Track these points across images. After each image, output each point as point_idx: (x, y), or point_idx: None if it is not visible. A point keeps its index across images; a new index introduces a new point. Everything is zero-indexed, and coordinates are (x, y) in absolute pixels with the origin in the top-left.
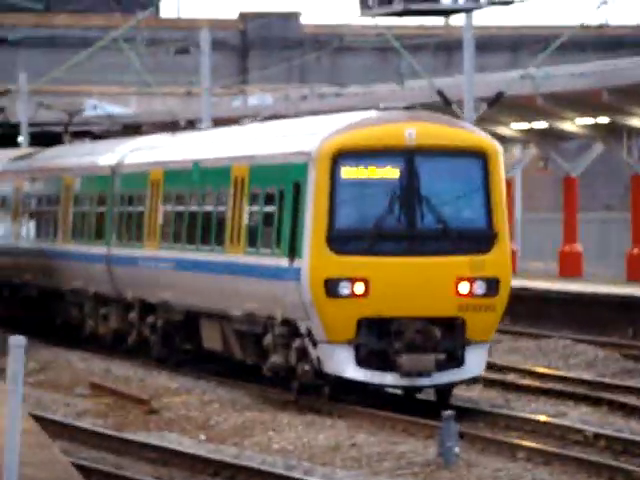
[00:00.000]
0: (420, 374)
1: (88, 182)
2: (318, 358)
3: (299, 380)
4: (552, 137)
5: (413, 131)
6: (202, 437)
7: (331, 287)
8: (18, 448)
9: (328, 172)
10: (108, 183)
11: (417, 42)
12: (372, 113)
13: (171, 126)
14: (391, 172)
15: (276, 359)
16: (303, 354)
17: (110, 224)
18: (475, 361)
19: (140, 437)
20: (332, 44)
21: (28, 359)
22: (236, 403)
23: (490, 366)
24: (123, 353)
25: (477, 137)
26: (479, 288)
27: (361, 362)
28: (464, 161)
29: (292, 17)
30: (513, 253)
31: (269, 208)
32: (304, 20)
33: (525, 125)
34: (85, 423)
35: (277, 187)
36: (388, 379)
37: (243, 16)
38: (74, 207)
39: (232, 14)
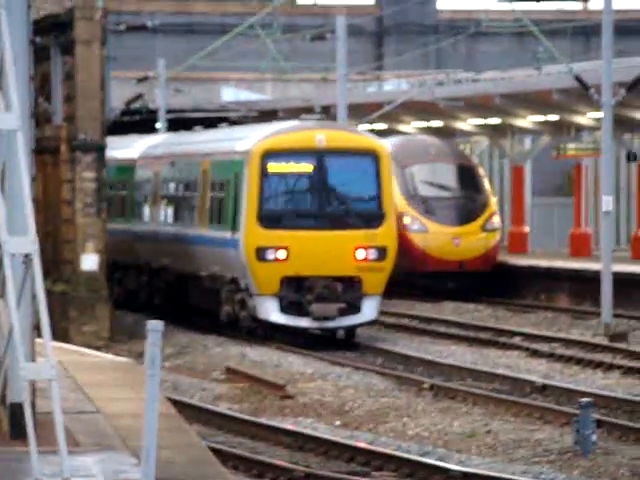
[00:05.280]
0: (327, 318)
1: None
2: (253, 307)
3: (241, 324)
4: None
5: (322, 137)
6: (337, 423)
7: (260, 253)
8: (156, 431)
9: (258, 167)
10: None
11: (555, 27)
12: (293, 123)
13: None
14: (306, 167)
15: (227, 308)
16: (243, 304)
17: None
18: (370, 309)
19: (275, 422)
20: (469, 29)
21: (165, 344)
22: (371, 389)
23: (629, 354)
24: (259, 338)
25: (371, 141)
26: (372, 254)
27: (283, 309)
28: (361, 159)
29: (428, 3)
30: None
31: (221, 194)
32: (440, 5)
33: None
34: (221, 407)
35: (225, 178)
36: (303, 322)
37: (379, 2)
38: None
39: (368, 0)
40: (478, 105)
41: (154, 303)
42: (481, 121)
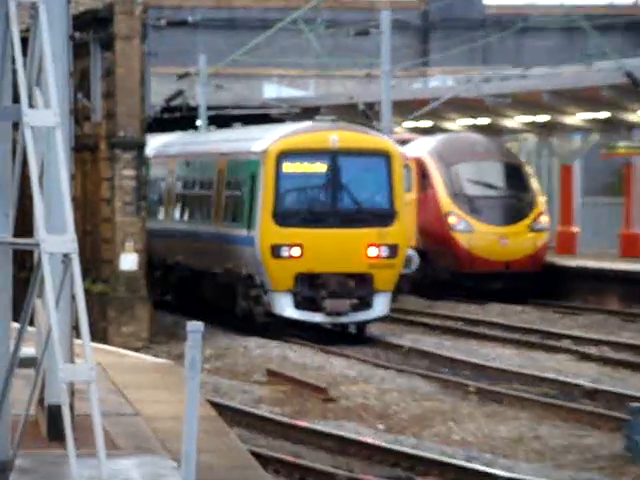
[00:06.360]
0: (339, 314)
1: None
2: (268, 302)
3: (256, 319)
4: None
5: (336, 137)
6: (380, 426)
7: (275, 250)
8: (196, 435)
9: (274, 167)
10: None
11: (605, 22)
12: (307, 124)
13: (349, 109)
14: (320, 167)
15: (242, 304)
16: (258, 300)
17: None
18: (381, 305)
19: (318, 426)
20: (516, 24)
21: (205, 345)
22: (415, 392)
23: None
24: (300, 340)
25: (383, 142)
26: (383, 252)
27: (297, 305)
28: (373, 159)
29: None
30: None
31: (237, 192)
32: (487, 0)
33: None
34: (262, 410)
35: (241, 177)
36: (317, 317)
37: None
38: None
39: None
40: (526, 102)
41: (166, 299)
42: (529, 118)
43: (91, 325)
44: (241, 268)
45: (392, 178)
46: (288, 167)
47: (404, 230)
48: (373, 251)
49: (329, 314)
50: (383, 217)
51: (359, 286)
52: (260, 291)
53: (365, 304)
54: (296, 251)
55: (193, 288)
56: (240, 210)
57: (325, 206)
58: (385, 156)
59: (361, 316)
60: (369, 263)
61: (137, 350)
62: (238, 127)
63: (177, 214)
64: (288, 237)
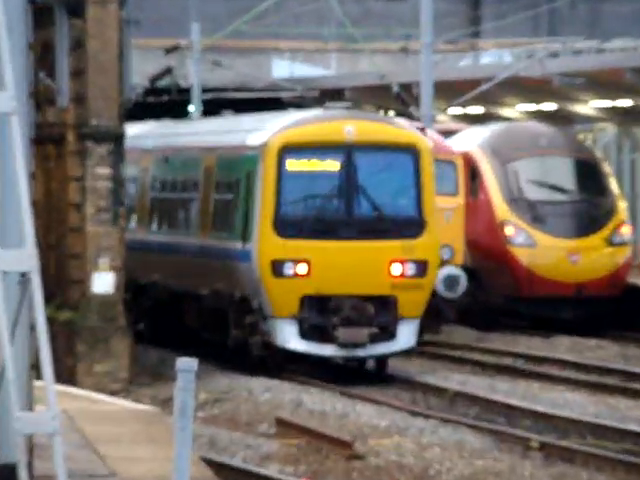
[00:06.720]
0: (355, 346)
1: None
2: (267, 331)
3: (252, 352)
4: None
5: (352, 128)
6: None
7: (277, 268)
8: None
9: (275, 164)
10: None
11: None
12: (316, 112)
13: (380, 91)
14: (331, 165)
15: (236, 333)
16: (254, 328)
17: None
18: (406, 335)
19: None
20: None
21: (199, 387)
22: (463, 448)
23: None
24: (317, 381)
25: (409, 134)
26: (410, 269)
27: (304, 335)
28: (397, 155)
29: None
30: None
31: (229, 196)
32: None
33: None
34: (271, 471)
35: (234, 177)
36: (327, 350)
37: None
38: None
39: None
40: (603, 83)
41: (137, 328)
42: (607, 103)
43: (55, 362)
44: (234, 289)
45: (420, 179)
46: (293, 165)
47: (435, 243)
48: (397, 269)
49: (342, 346)
50: (409, 227)
51: (379, 312)
52: (257, 317)
53: (387, 334)
54: (302, 268)
55: (172, 314)
56: (233, 218)
57: (338, 213)
58: (412, 151)
59: (382, 348)
60: (392, 283)
61: (114, 394)
62: (230, 115)
63: (153, 223)
64: (292, 251)
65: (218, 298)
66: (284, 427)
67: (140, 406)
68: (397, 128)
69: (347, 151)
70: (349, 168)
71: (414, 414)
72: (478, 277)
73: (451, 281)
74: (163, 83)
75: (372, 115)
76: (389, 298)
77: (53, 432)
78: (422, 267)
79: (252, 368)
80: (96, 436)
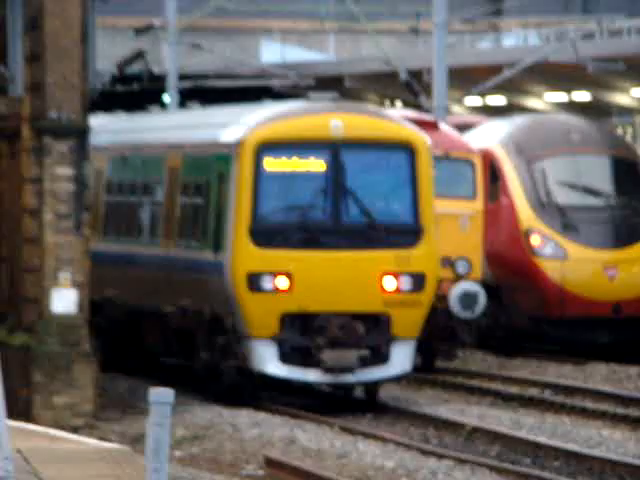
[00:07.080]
0: (343, 370)
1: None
2: (242, 354)
3: (224, 378)
4: None
5: (339, 122)
6: None
7: (254, 281)
8: None
9: (251, 164)
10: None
11: None
12: (298, 104)
13: (386, 79)
14: (316, 164)
15: (205, 356)
16: (227, 350)
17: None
18: (401, 358)
19: None
20: None
21: (176, 422)
22: None
23: None
24: (313, 414)
25: (405, 129)
26: (405, 283)
27: (284, 358)
28: (391, 154)
29: None
30: None
31: (198, 200)
32: None
33: None
34: None
35: (204, 178)
36: (311, 375)
37: None
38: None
39: None
40: None
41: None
42: None
43: (8, 394)
44: (203, 306)
45: (417, 180)
46: (272, 164)
47: (434, 253)
48: (390, 282)
49: (328, 370)
50: (404, 235)
51: (370, 332)
52: (231, 339)
53: (379, 357)
54: (283, 282)
55: (131, 335)
56: (203, 225)
57: (323, 220)
58: (408, 149)
59: (373, 374)
60: (384, 299)
61: (76, 430)
62: (197, 107)
63: (108, 231)
64: (271, 263)
65: (184, 317)
66: (274, 468)
67: (107, 444)
68: (391, 123)
69: (334, 149)
70: (336, 168)
71: (425, 453)
72: (499, 295)
73: (468, 299)
74: (134, 69)
75: (362, 107)
76: (381, 316)
77: (4, 476)
78: (419, 281)
79: (223, 397)
80: None
